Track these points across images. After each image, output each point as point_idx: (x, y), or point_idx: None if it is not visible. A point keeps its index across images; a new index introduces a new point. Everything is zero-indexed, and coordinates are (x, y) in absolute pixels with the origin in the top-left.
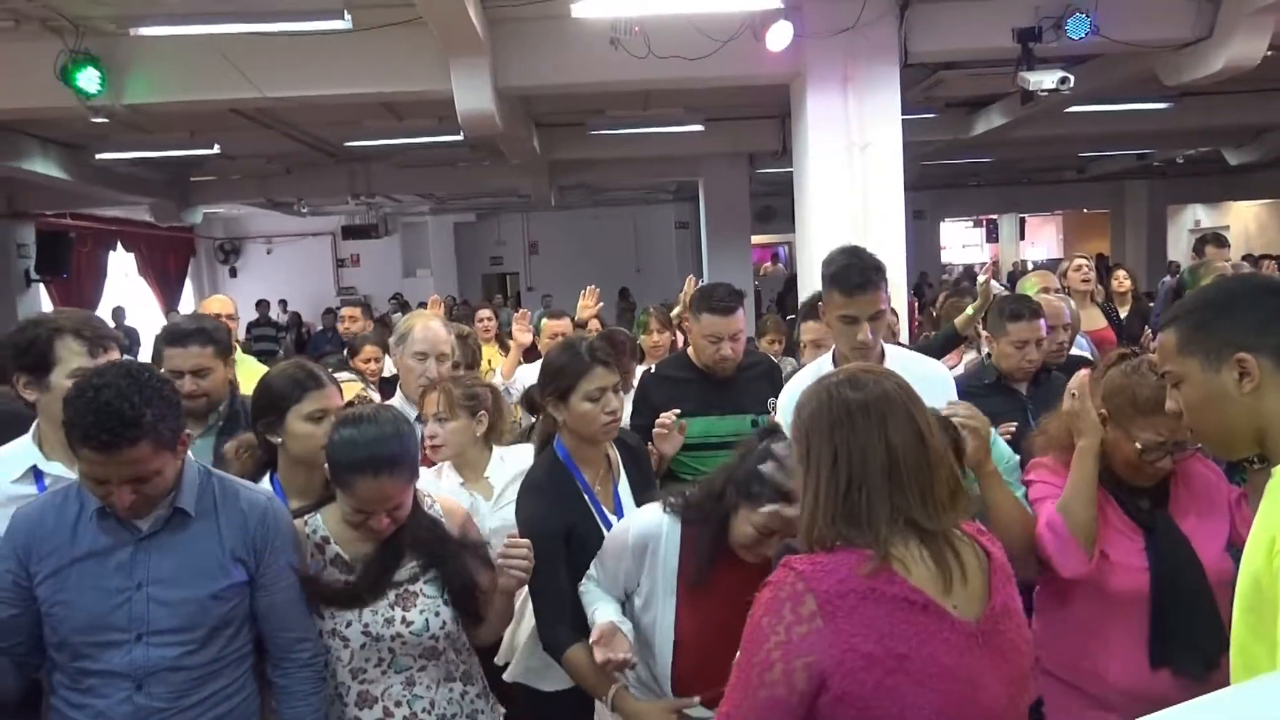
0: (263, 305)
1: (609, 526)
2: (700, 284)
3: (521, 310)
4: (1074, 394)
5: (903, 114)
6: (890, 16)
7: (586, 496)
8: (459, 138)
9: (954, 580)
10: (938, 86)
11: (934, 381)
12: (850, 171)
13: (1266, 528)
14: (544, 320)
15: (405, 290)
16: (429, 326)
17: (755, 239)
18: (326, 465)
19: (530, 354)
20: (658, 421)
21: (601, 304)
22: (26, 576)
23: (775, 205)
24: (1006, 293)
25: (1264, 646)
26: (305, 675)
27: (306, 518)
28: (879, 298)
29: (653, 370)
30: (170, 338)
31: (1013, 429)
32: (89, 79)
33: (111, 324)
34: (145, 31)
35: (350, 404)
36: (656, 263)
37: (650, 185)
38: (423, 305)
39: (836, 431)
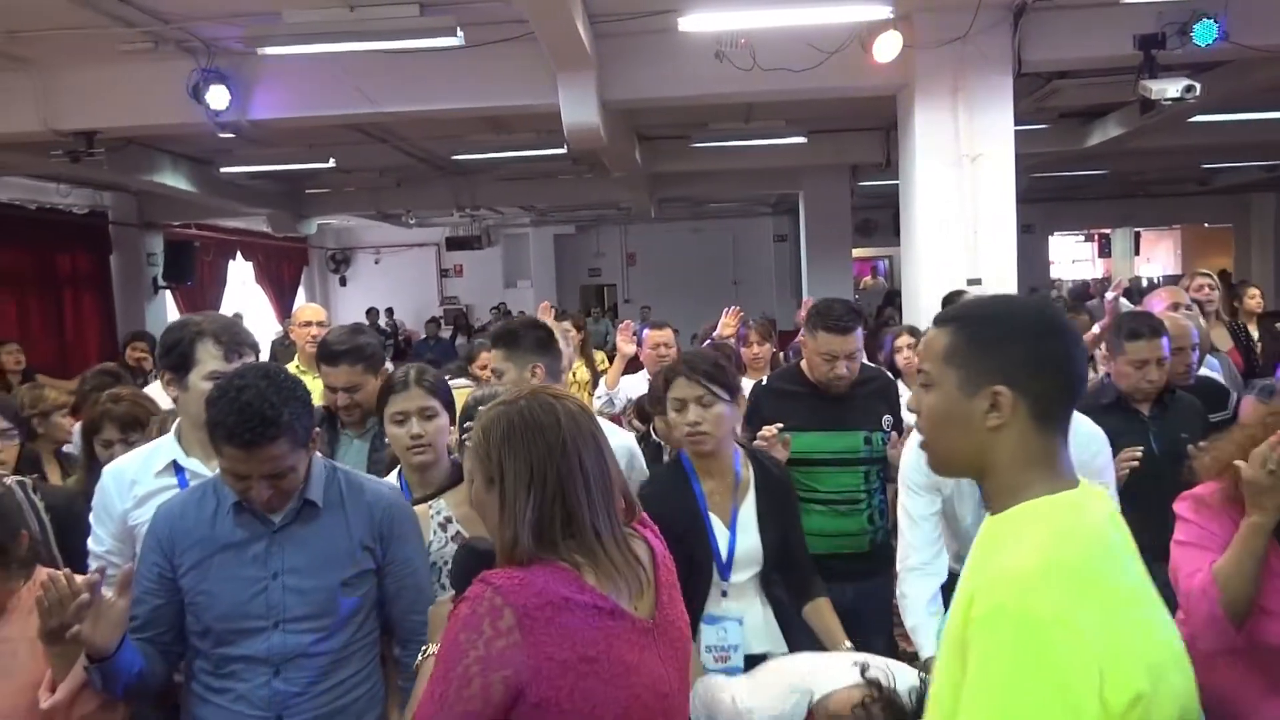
0: (371, 313)
1: (713, 540)
2: (814, 301)
3: (625, 321)
4: (1271, 468)
5: (1014, 125)
6: (1004, 25)
7: (700, 506)
8: (562, 151)
9: (641, 584)
10: (1052, 96)
11: (1089, 439)
12: (959, 184)
13: (968, 583)
14: (647, 331)
15: (507, 300)
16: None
17: (855, 252)
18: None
19: (633, 365)
20: (759, 434)
21: (741, 315)
22: (171, 569)
23: (876, 218)
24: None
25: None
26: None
27: (430, 502)
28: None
29: (764, 383)
30: (324, 356)
31: (1138, 456)
32: (218, 97)
33: None
34: (270, 51)
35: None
36: (754, 275)
37: (750, 198)
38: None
39: (533, 449)
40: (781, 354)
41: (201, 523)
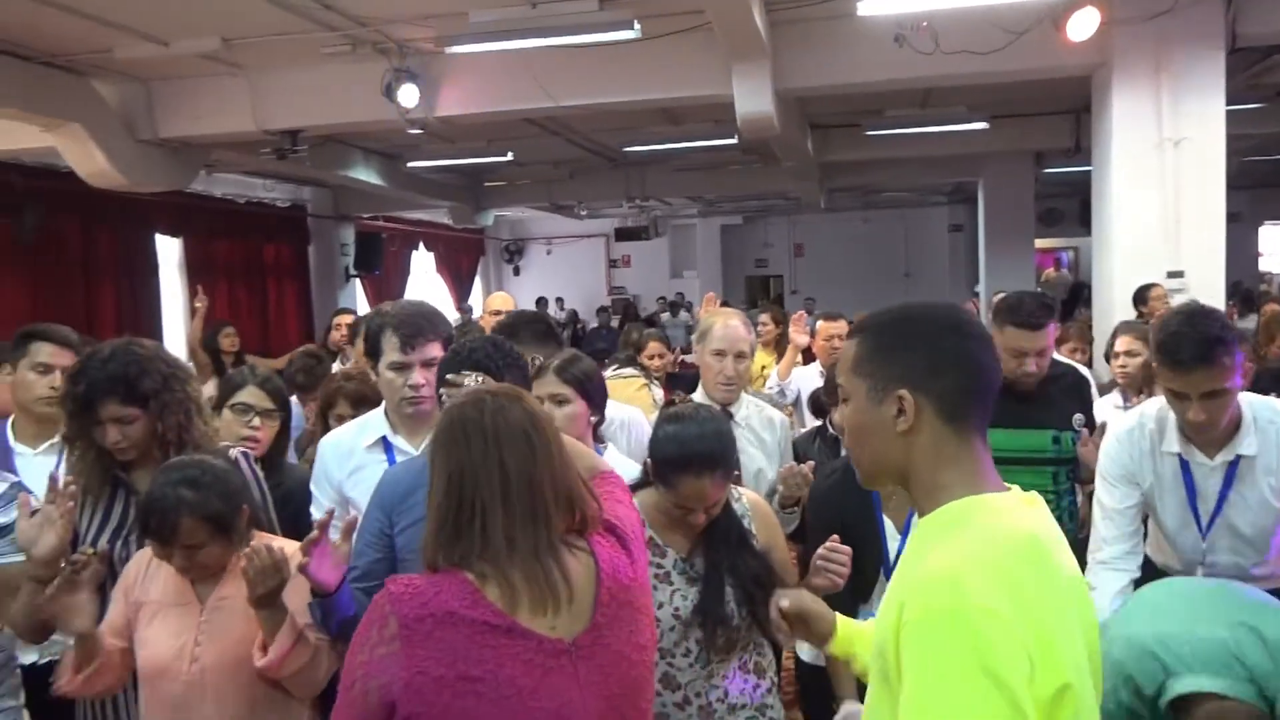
0: (542, 303)
1: (884, 542)
2: (1002, 295)
3: (798, 313)
4: None
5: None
6: None
7: (874, 506)
8: (732, 141)
9: (558, 601)
10: (1269, 73)
11: None
12: (1160, 170)
13: (898, 590)
14: (820, 322)
15: (673, 290)
16: (729, 325)
17: (1037, 243)
18: (649, 460)
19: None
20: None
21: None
22: (390, 526)
23: (1061, 207)
24: None
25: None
26: None
27: None
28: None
29: None
30: (504, 332)
31: None
32: (408, 95)
33: None
34: (457, 49)
35: (671, 402)
36: (927, 267)
37: (924, 186)
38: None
39: (452, 452)
40: None
41: (422, 489)
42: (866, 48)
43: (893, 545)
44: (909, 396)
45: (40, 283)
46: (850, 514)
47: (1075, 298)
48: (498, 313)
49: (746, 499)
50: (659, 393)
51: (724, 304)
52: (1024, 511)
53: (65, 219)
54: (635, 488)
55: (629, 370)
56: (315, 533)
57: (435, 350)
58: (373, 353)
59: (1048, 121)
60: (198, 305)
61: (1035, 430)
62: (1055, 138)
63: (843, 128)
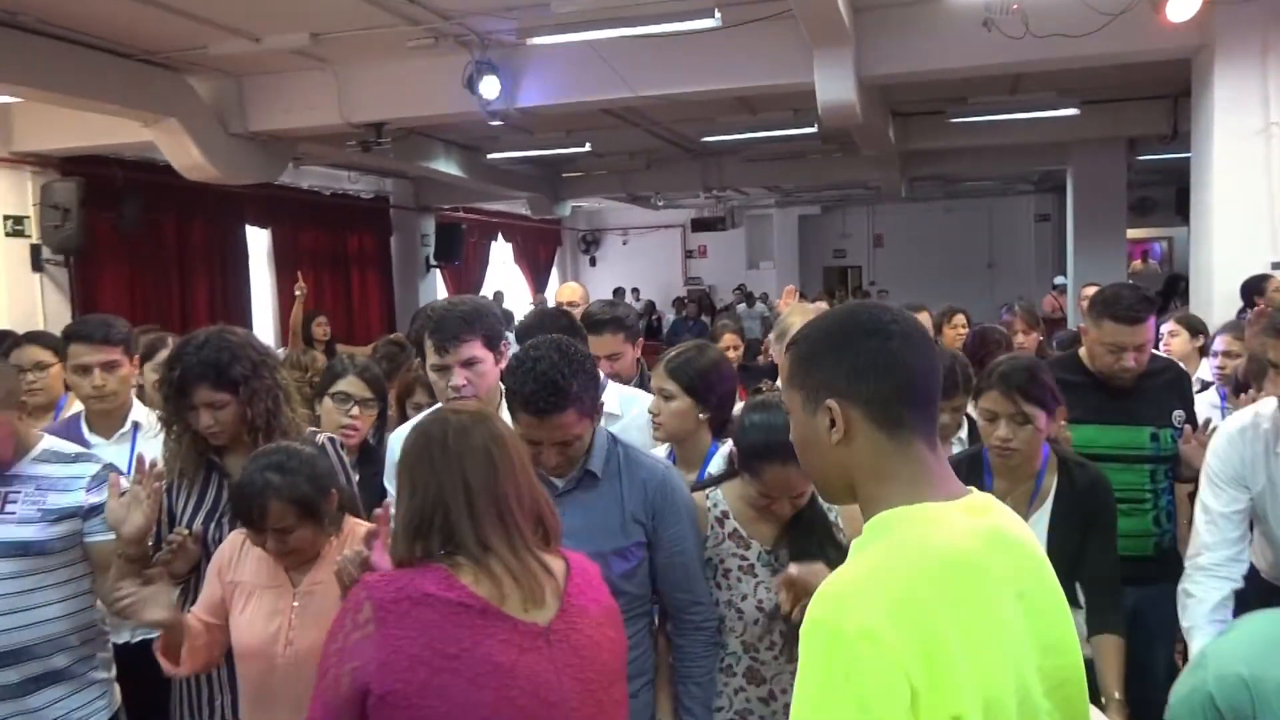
0: (619, 293)
1: None
2: (1095, 287)
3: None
4: None
5: None
6: None
7: None
8: (811, 130)
9: (541, 589)
10: None
11: None
12: (1266, 157)
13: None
14: None
15: (748, 281)
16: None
17: (1128, 233)
18: (734, 449)
19: None
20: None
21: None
22: None
23: (1155, 196)
24: None
25: None
26: (698, 638)
27: (708, 491)
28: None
29: None
30: (589, 326)
31: None
32: (490, 87)
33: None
34: (539, 41)
35: (758, 390)
36: (1012, 258)
37: (1010, 175)
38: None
39: (418, 468)
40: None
41: None
42: (953, 32)
43: None
44: (835, 406)
45: (138, 272)
46: None
47: (1171, 290)
48: (571, 304)
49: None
50: None
51: (801, 296)
52: (961, 521)
53: (162, 211)
54: (721, 478)
55: None
56: (374, 525)
57: (474, 349)
58: (421, 354)
59: (1143, 106)
60: (298, 293)
61: (1133, 427)
62: (1151, 123)
63: (925, 115)
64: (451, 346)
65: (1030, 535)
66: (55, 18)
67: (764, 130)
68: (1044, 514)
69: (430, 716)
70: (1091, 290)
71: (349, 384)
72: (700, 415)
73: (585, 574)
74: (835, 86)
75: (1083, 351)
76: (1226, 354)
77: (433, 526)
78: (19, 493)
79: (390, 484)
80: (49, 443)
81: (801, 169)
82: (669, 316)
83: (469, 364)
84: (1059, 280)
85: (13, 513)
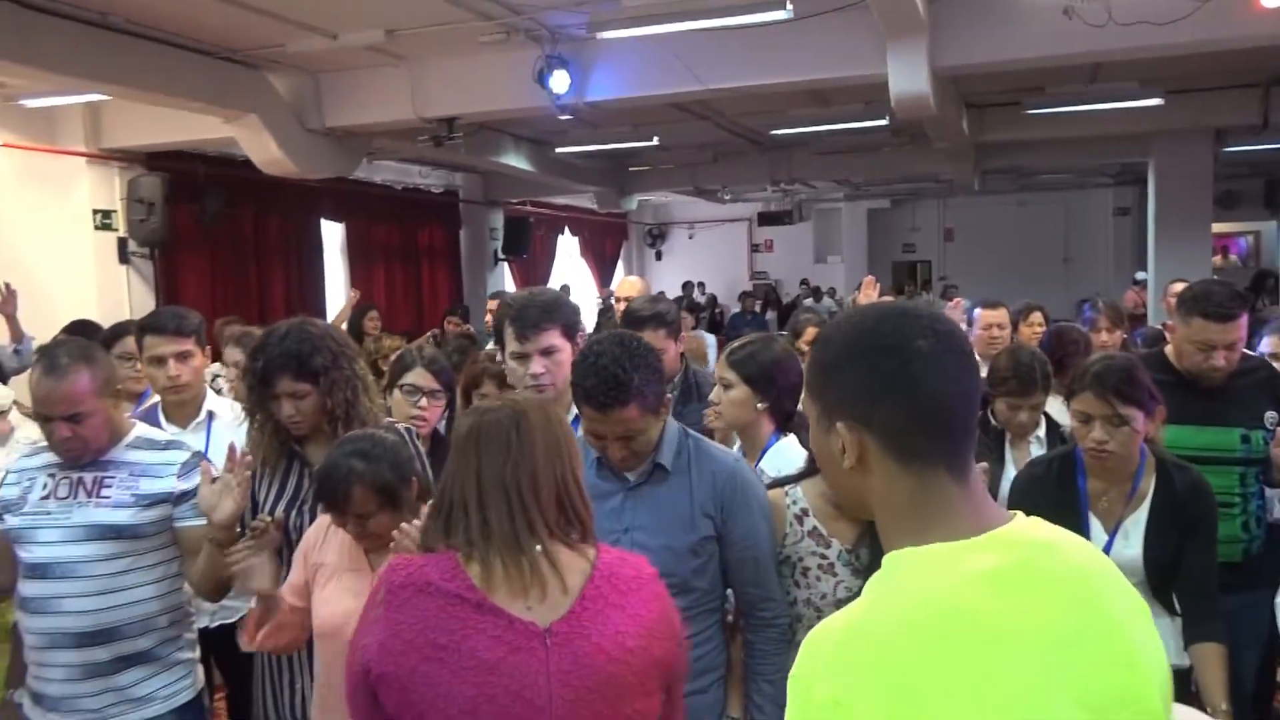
0: (687, 287)
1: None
2: (1182, 282)
3: (955, 300)
4: None
5: None
6: None
7: (1080, 503)
8: (882, 123)
9: (543, 585)
10: None
11: None
12: None
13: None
14: (979, 311)
15: (816, 276)
16: None
17: (1213, 228)
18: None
19: None
20: None
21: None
22: None
23: (1241, 189)
24: None
25: None
26: (770, 635)
27: (788, 488)
28: None
29: None
30: (630, 322)
31: None
32: (560, 81)
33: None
34: (609, 35)
35: None
36: (1089, 253)
37: (1087, 168)
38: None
39: (451, 457)
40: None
41: None
42: (1031, 21)
43: (1096, 544)
44: (845, 430)
45: (218, 264)
46: (1051, 507)
47: (1258, 287)
48: (630, 299)
49: None
50: None
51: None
52: (972, 564)
53: (241, 205)
54: (801, 475)
55: None
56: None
57: (553, 338)
58: (499, 343)
59: (1231, 96)
60: (353, 294)
61: (1223, 428)
62: (1240, 113)
63: (1001, 106)
64: (532, 335)
65: (1099, 570)
66: (144, 18)
67: (834, 123)
68: (1141, 516)
69: (417, 702)
70: (1179, 286)
71: (417, 376)
72: (759, 405)
73: (617, 577)
74: (908, 78)
75: (1169, 350)
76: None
77: (450, 515)
78: (113, 478)
79: None
80: (141, 430)
81: (872, 162)
82: (734, 310)
83: (548, 352)
84: (1140, 275)
85: (107, 497)
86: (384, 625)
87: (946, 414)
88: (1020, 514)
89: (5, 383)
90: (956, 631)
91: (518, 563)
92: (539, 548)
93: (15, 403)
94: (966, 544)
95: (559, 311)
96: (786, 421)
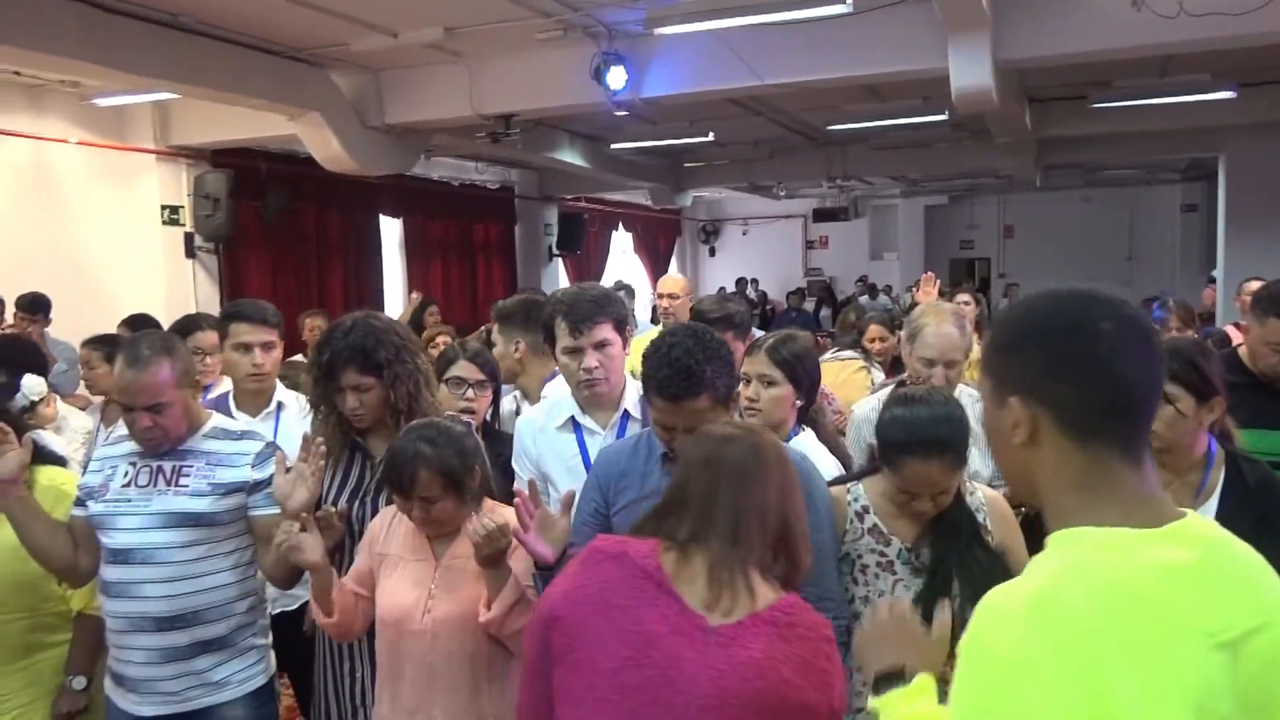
0: (740, 283)
1: None
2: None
3: (1012, 296)
4: None
5: None
6: None
7: None
8: (942, 117)
9: (735, 594)
10: None
11: None
12: None
13: None
14: None
15: (871, 273)
16: (941, 331)
17: None
18: (875, 442)
19: None
20: None
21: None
22: (605, 506)
23: None
24: None
25: None
26: None
27: (849, 485)
28: None
29: None
30: (700, 322)
31: None
32: (616, 77)
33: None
34: (666, 31)
35: (901, 383)
36: (1154, 250)
37: (1154, 163)
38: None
39: (685, 462)
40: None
41: (635, 468)
42: (1099, 13)
43: None
44: (1019, 406)
45: (280, 259)
46: None
47: None
48: (672, 296)
49: (983, 494)
50: (879, 375)
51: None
52: (1153, 554)
53: (302, 201)
54: (863, 472)
55: (848, 353)
56: (518, 501)
57: (605, 332)
58: (549, 339)
59: None
60: (414, 298)
61: None
62: None
63: (1065, 100)
64: (585, 329)
65: (1262, 568)
66: (211, 18)
67: (892, 118)
68: (1210, 509)
69: (577, 648)
70: (1255, 285)
71: (461, 369)
72: (796, 402)
73: (796, 620)
74: (970, 72)
75: (1243, 350)
76: None
77: (671, 515)
78: (191, 467)
79: (518, 465)
80: (217, 420)
81: (930, 158)
82: (785, 308)
83: (601, 346)
84: (1217, 274)
85: (186, 486)
86: (573, 578)
87: (1128, 395)
88: (1193, 512)
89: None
90: (1136, 615)
91: (714, 569)
92: (744, 578)
93: (54, 394)
94: (1151, 533)
95: (610, 305)
96: (803, 415)
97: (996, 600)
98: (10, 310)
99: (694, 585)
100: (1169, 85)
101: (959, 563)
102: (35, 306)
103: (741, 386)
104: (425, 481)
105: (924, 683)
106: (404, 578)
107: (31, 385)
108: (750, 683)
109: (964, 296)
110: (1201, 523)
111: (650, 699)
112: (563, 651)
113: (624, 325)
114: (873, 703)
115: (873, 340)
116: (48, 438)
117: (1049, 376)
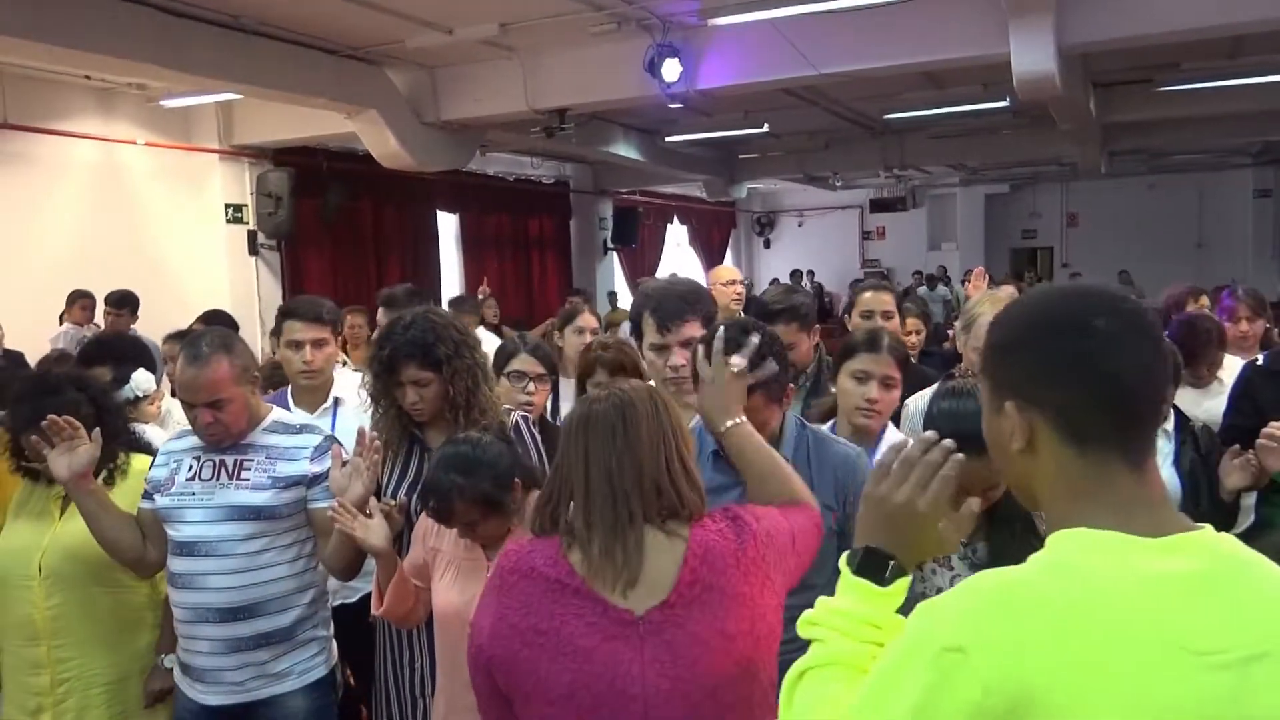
0: (796, 276)
1: None
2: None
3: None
4: None
5: None
6: None
7: None
8: (1002, 104)
9: (633, 575)
10: None
11: None
12: None
13: None
14: None
15: (930, 263)
16: None
17: None
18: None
19: None
20: (1265, 431)
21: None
22: None
23: None
24: None
25: None
26: None
27: None
28: None
29: (1260, 363)
30: (762, 316)
31: None
32: (671, 69)
33: None
34: (720, 21)
35: (950, 376)
36: (1225, 237)
37: (1225, 147)
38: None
39: (562, 444)
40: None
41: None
42: None
43: None
44: (1014, 411)
45: (339, 255)
46: None
47: None
48: (731, 282)
49: None
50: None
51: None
52: (1148, 565)
53: (360, 198)
54: None
55: None
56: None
57: (694, 330)
58: (636, 333)
59: None
60: (483, 293)
61: None
62: None
63: (1131, 84)
64: (673, 326)
65: None
66: (272, 19)
67: (950, 105)
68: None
69: (519, 686)
70: None
71: (522, 362)
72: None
73: (707, 559)
74: (1033, 57)
75: None
76: None
77: (557, 503)
78: (252, 461)
79: None
80: (277, 414)
81: (990, 145)
82: (844, 299)
83: (688, 344)
84: None
85: (246, 479)
86: (493, 609)
87: (1123, 395)
88: (1209, 526)
89: (154, 372)
90: (1117, 623)
91: (613, 551)
92: (635, 537)
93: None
94: (1147, 542)
95: (699, 302)
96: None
97: (972, 583)
98: (100, 307)
99: (604, 575)
100: (1240, 67)
101: (1016, 557)
102: (123, 302)
103: (849, 383)
104: (462, 511)
105: (901, 585)
106: (455, 579)
107: (141, 381)
108: (700, 661)
109: (1009, 288)
110: (1217, 538)
111: (611, 710)
112: (510, 689)
113: (710, 322)
114: (844, 583)
115: (909, 333)
116: (151, 432)
117: (1041, 379)
